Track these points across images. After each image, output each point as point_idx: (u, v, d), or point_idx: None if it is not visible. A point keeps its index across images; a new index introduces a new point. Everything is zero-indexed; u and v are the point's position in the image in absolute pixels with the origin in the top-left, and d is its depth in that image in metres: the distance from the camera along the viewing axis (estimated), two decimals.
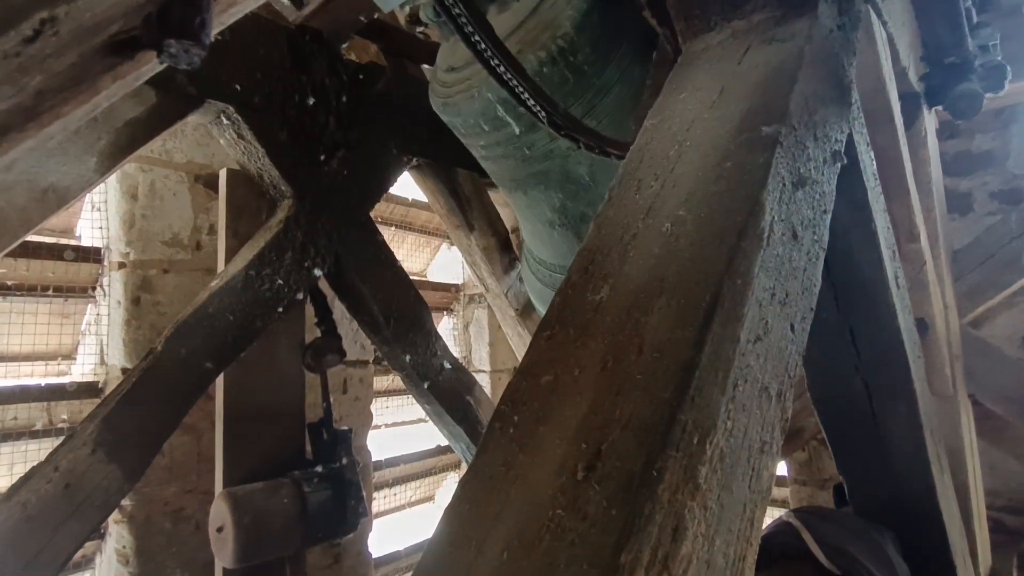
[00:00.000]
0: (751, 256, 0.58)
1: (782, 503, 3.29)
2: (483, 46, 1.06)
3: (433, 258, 4.76)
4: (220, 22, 0.41)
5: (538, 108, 1.16)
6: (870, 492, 1.34)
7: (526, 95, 1.13)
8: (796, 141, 0.73)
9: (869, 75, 1.31)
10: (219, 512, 1.79)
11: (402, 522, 4.02)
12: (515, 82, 1.12)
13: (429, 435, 3.98)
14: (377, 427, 3.37)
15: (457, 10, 1.02)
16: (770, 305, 0.60)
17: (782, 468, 3.00)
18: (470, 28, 1.04)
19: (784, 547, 1.18)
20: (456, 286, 4.59)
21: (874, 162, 1.14)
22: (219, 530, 1.78)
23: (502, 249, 2.68)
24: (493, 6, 1.67)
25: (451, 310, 4.61)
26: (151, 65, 0.39)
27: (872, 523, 1.28)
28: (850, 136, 0.96)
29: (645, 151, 0.81)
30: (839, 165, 0.85)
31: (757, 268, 0.58)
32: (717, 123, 0.77)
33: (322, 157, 2.01)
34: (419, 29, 1.98)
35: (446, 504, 0.54)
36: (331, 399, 2.17)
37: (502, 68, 1.09)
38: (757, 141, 0.69)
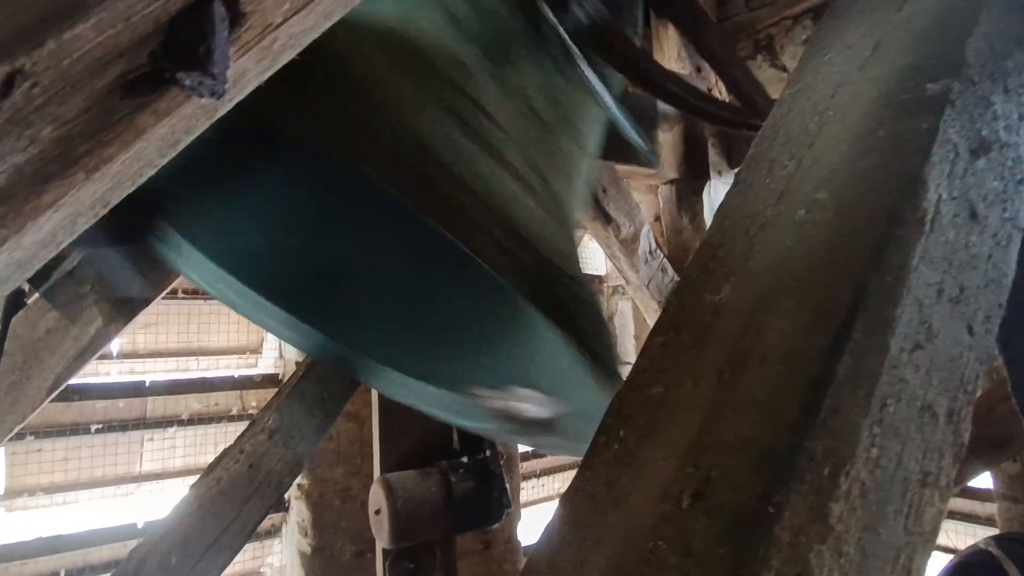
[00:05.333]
0: (908, 245, 0.48)
1: (986, 520, 2.80)
2: None
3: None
4: (270, 57, 0.38)
5: None
6: None
7: None
8: (976, 97, 0.59)
9: None
10: (376, 496, 1.93)
11: (549, 512, 4.08)
12: None
13: None
14: None
15: None
16: (936, 305, 0.49)
17: (988, 481, 2.55)
18: None
19: None
20: (599, 277, 4.52)
21: None
22: (376, 512, 1.92)
23: (641, 240, 2.58)
24: None
25: None
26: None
27: None
28: None
29: (780, 126, 0.71)
30: None
31: (916, 260, 0.48)
32: (869, 85, 0.65)
33: None
34: None
35: (548, 520, 0.52)
36: None
37: None
38: (920, 102, 0.57)
